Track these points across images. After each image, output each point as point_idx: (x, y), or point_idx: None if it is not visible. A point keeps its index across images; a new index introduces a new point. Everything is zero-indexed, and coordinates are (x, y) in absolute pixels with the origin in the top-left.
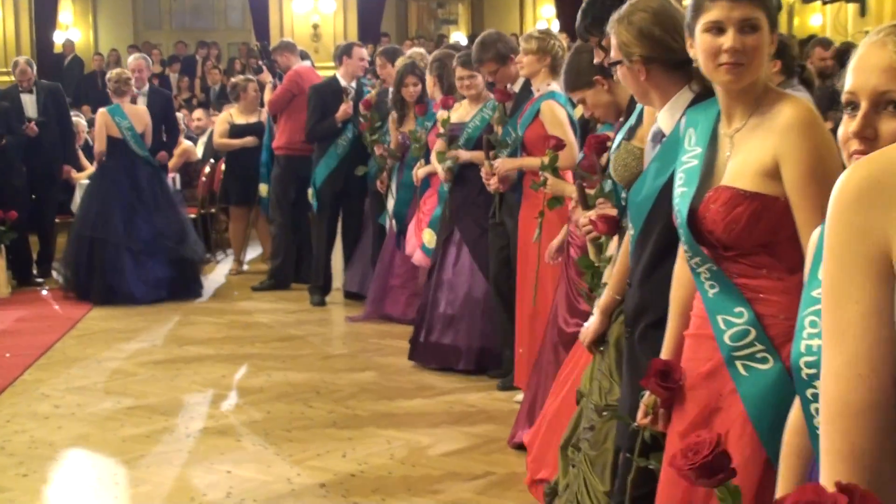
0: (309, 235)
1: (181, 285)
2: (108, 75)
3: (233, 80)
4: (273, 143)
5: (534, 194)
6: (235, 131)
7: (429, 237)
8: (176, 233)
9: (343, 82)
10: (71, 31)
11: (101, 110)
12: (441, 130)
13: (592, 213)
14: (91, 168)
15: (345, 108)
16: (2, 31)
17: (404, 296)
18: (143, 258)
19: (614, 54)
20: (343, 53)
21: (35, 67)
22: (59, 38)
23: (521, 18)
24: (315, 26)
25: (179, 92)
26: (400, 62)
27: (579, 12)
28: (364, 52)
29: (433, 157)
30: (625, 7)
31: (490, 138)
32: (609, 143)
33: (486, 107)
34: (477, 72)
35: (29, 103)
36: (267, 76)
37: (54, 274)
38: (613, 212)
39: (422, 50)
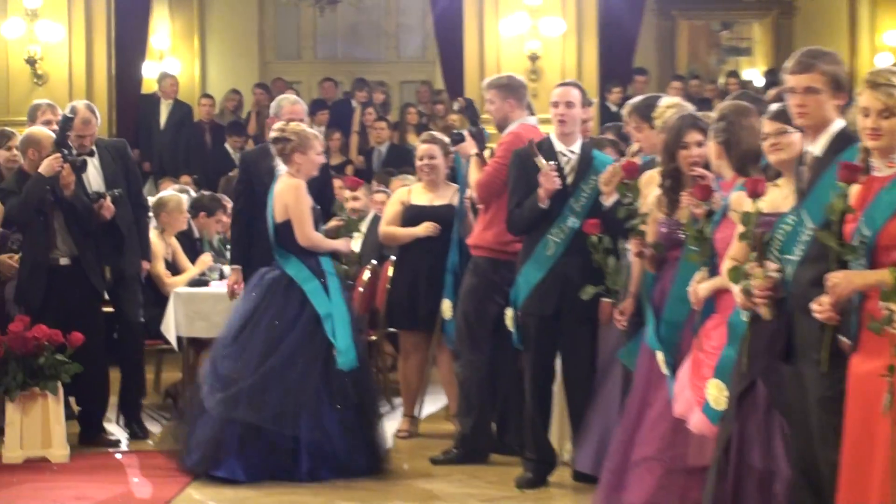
0: (516, 381)
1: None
2: (280, 128)
3: (421, 140)
4: (469, 239)
5: (874, 337)
6: (412, 216)
7: (715, 393)
8: (355, 380)
9: (559, 145)
10: (168, 62)
11: (293, 181)
12: (741, 228)
13: None
14: (193, 269)
15: (548, 179)
16: (66, 61)
17: (656, 474)
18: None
19: None
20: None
21: (98, 117)
22: (149, 72)
23: (853, 46)
24: (533, 57)
25: (328, 154)
26: (667, 113)
27: None
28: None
29: (723, 268)
30: None
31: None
32: None
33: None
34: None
35: (90, 169)
36: (470, 146)
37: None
38: None
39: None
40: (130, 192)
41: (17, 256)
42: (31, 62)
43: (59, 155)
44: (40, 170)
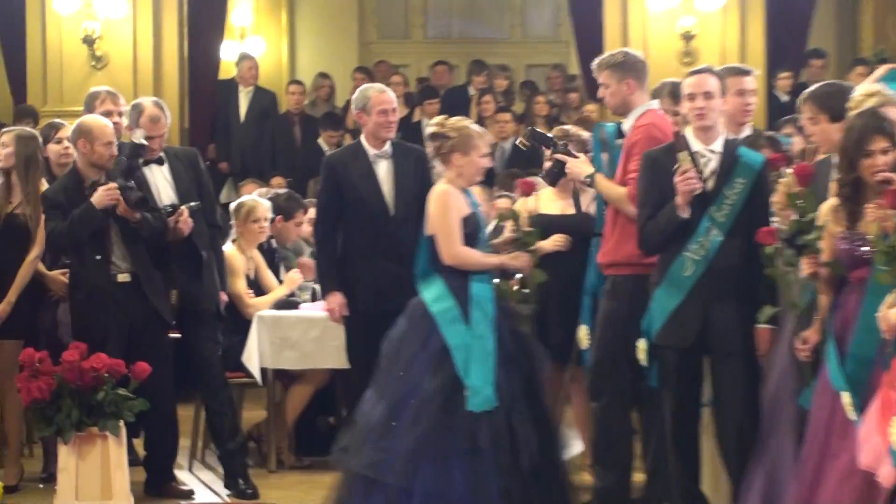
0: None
1: None
2: (439, 122)
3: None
4: (602, 256)
5: None
6: (541, 228)
7: None
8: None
9: (697, 143)
10: (251, 41)
11: (442, 187)
12: None
13: None
14: (279, 289)
15: (685, 179)
16: (129, 41)
17: None
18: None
19: None
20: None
21: (168, 115)
22: (228, 53)
23: None
24: (686, 36)
25: None
26: (867, 103)
27: None
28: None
29: None
30: None
31: None
32: None
33: None
34: None
35: (160, 179)
36: (581, 167)
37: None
38: None
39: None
40: (203, 210)
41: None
42: (89, 42)
43: (114, 186)
44: (93, 200)
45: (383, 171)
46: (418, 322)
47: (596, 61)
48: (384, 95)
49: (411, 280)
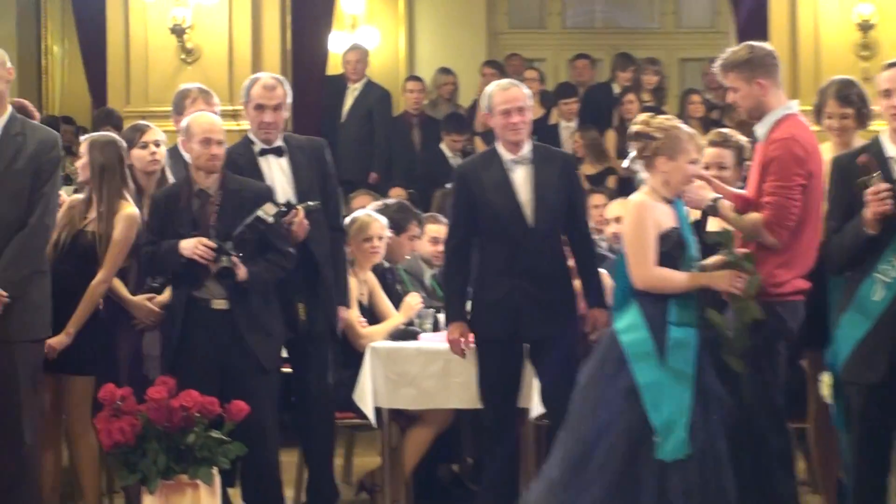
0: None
1: None
2: (644, 121)
3: (709, 141)
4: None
5: None
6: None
7: None
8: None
9: (892, 148)
10: (364, 32)
11: (637, 199)
12: None
13: None
14: (396, 316)
15: (878, 199)
16: (224, 31)
17: None
18: None
19: None
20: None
21: (289, 93)
22: (337, 45)
23: None
24: (864, 26)
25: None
26: None
27: None
28: None
29: None
30: None
31: None
32: None
33: None
34: None
35: (277, 172)
36: (701, 193)
37: None
38: None
39: None
40: (327, 210)
41: (159, 299)
42: (178, 32)
43: (211, 248)
44: (182, 245)
45: (520, 178)
46: (608, 355)
47: (718, 62)
48: (507, 93)
49: (553, 303)
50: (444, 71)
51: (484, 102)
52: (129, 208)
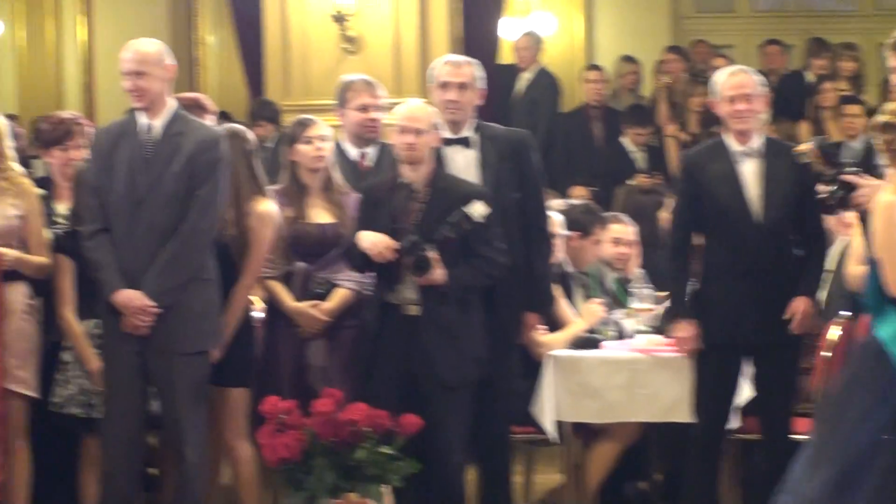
0: None
1: None
2: (893, 110)
3: None
4: None
5: None
6: None
7: None
8: None
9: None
10: (538, 17)
11: (887, 198)
12: None
13: None
14: (576, 323)
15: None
16: (390, 18)
17: None
18: None
19: None
20: None
21: (481, 77)
22: (510, 32)
23: None
24: None
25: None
26: None
27: None
28: None
29: None
30: None
31: None
32: None
33: None
34: None
35: (462, 166)
36: (868, 193)
37: None
38: None
39: None
40: (526, 209)
41: (325, 305)
42: (340, 20)
43: (392, 246)
44: (362, 242)
45: (750, 171)
46: (874, 366)
47: (892, 39)
48: (735, 78)
49: (778, 307)
50: (626, 59)
51: (712, 88)
52: (264, 205)
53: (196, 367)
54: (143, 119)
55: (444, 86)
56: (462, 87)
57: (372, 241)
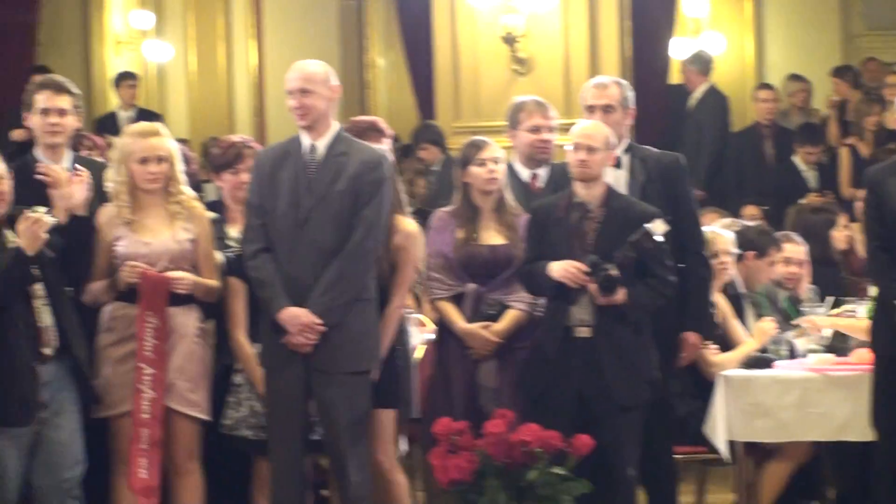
0: None
1: None
2: None
3: None
4: None
5: None
6: None
7: None
8: None
9: None
10: (708, 37)
11: None
12: None
13: None
14: (748, 342)
15: None
16: (559, 38)
17: None
18: None
19: None
20: None
21: (630, 98)
22: (680, 51)
23: None
24: None
25: None
26: None
27: None
28: None
29: None
30: None
31: None
32: None
33: None
34: None
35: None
36: None
37: None
38: None
39: None
40: (681, 232)
41: (497, 327)
42: (510, 41)
43: (584, 269)
44: (553, 273)
45: None
46: None
47: None
48: None
49: None
50: (796, 77)
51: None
52: (405, 224)
53: (357, 386)
54: (306, 139)
55: (590, 109)
56: (607, 109)
57: (562, 267)
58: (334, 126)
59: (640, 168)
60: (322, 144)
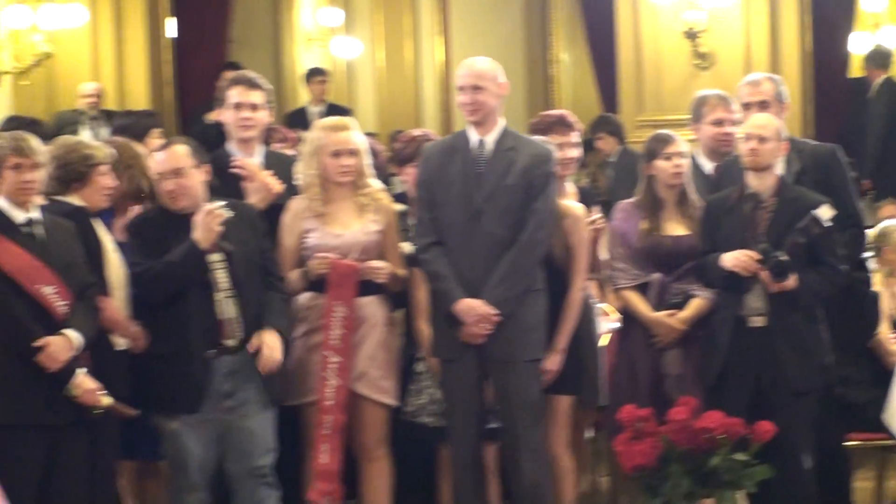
0: None
1: None
2: None
3: None
4: None
5: None
6: None
7: None
8: None
9: None
10: (887, 31)
11: None
12: None
13: None
14: None
15: None
16: (740, 34)
17: None
18: None
19: None
20: None
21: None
22: (859, 46)
23: None
24: None
25: None
26: None
27: None
28: None
29: None
30: None
31: None
32: None
33: None
34: None
35: None
36: None
37: None
38: None
39: None
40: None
41: (682, 315)
42: (692, 36)
43: (756, 257)
44: (726, 263)
45: None
46: None
47: None
48: None
49: None
50: None
51: None
52: (571, 208)
53: (531, 375)
54: (474, 135)
55: (746, 106)
56: (762, 105)
57: (734, 257)
58: (501, 122)
59: (795, 158)
60: (490, 140)
